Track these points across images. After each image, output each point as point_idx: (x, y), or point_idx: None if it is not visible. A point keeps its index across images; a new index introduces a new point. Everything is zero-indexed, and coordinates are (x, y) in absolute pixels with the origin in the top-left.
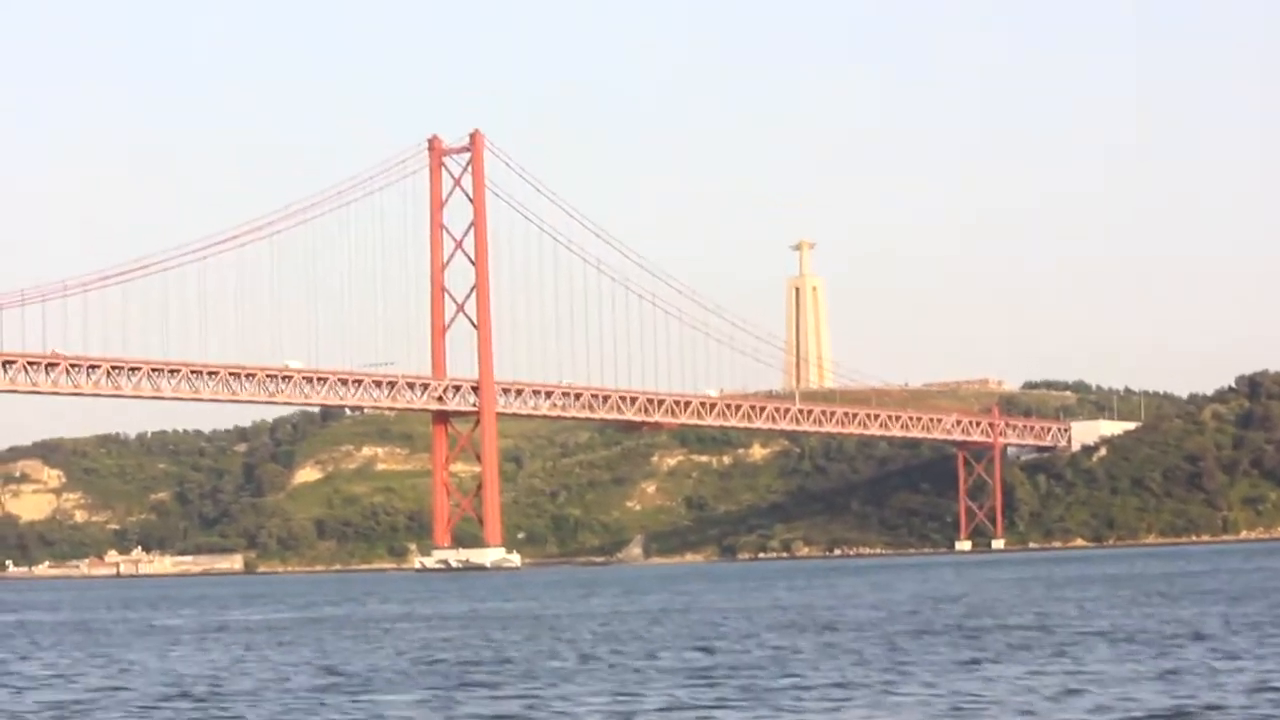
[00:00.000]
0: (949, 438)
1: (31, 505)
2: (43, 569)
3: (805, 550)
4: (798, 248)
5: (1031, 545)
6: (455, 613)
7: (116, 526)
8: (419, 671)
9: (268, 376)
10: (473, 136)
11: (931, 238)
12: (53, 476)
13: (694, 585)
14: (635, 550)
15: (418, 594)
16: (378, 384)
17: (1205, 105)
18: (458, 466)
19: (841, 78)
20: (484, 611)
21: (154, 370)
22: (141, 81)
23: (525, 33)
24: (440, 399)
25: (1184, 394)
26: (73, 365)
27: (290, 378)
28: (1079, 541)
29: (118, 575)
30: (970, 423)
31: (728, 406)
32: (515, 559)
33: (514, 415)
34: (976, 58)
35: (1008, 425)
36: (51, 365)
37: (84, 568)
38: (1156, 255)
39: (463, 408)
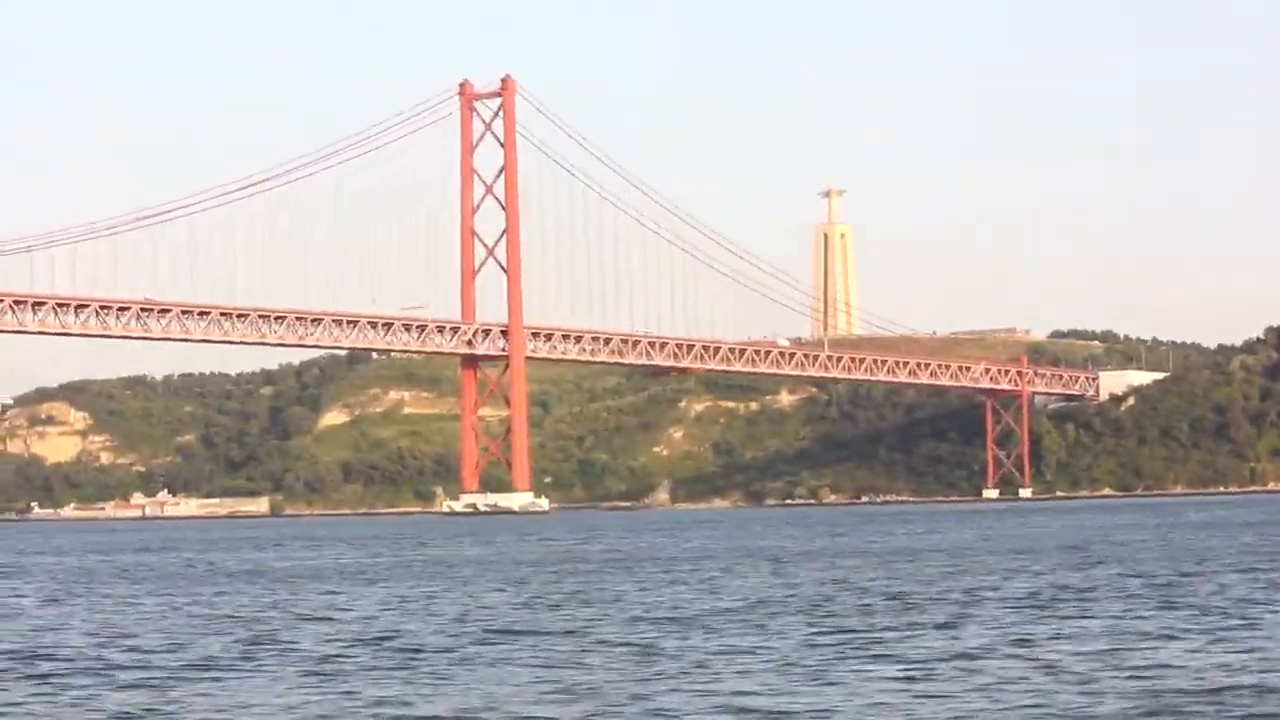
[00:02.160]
0: (977, 386)
1: (58, 447)
2: (68, 511)
3: (832, 497)
4: (826, 194)
5: (1059, 494)
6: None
7: (142, 469)
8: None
9: (297, 319)
10: (504, 81)
11: (961, 186)
12: (79, 418)
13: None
14: (662, 495)
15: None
16: (407, 328)
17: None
18: (485, 411)
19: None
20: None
21: (184, 312)
22: (177, 21)
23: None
24: (469, 343)
25: (1212, 345)
26: (102, 307)
27: (320, 320)
28: (1106, 491)
29: (143, 517)
30: (999, 371)
31: (756, 353)
32: (543, 503)
33: (543, 359)
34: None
35: (1036, 374)
36: (81, 307)
37: (109, 510)
38: (1186, 204)
39: (492, 352)
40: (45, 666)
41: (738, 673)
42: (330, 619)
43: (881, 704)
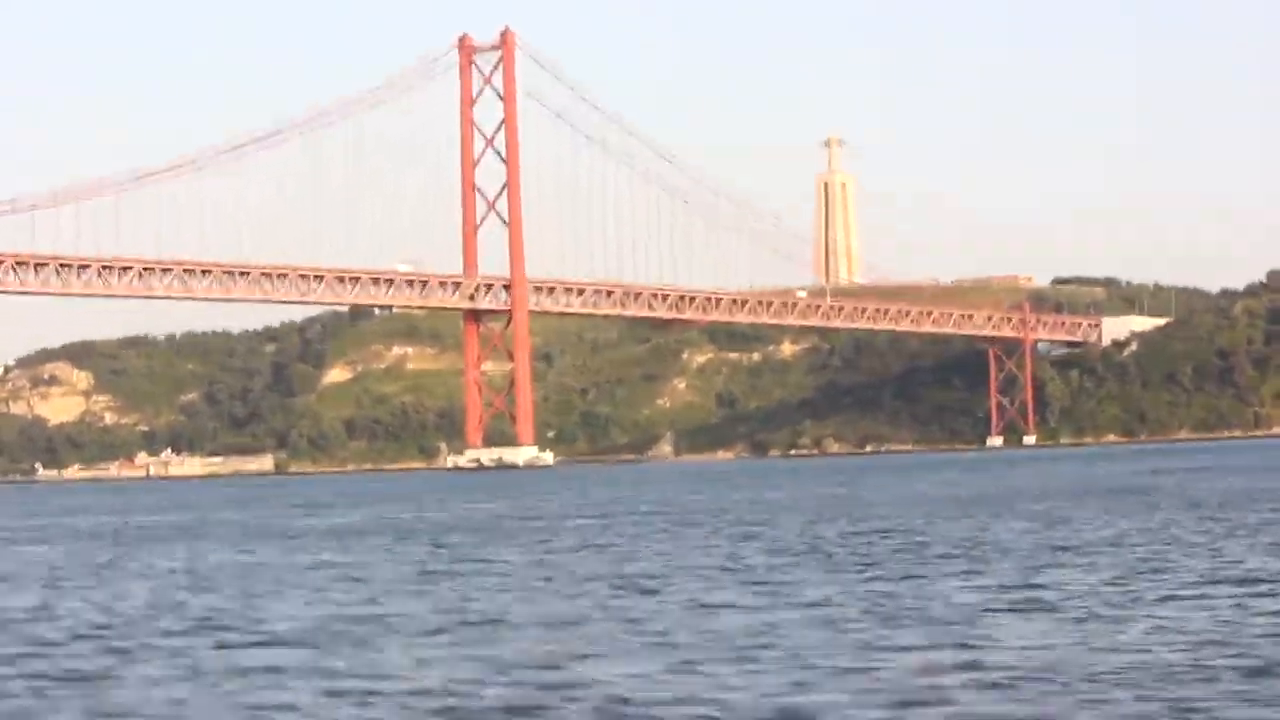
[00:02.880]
0: (980, 333)
1: (61, 408)
2: (72, 472)
3: (836, 447)
4: (827, 144)
5: (1063, 441)
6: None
7: (145, 428)
8: None
9: (300, 277)
10: (503, 35)
11: (961, 134)
12: (81, 379)
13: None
14: (666, 448)
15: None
16: (409, 283)
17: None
18: (488, 365)
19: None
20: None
21: (186, 271)
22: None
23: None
24: (472, 297)
25: (1215, 289)
26: (105, 267)
27: (322, 277)
28: (1110, 437)
29: (148, 477)
30: (1001, 319)
31: (759, 303)
32: (548, 457)
33: (546, 313)
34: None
35: (1039, 321)
36: (84, 267)
37: (114, 470)
38: (1186, 152)
39: (494, 306)
40: None
41: None
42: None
43: None
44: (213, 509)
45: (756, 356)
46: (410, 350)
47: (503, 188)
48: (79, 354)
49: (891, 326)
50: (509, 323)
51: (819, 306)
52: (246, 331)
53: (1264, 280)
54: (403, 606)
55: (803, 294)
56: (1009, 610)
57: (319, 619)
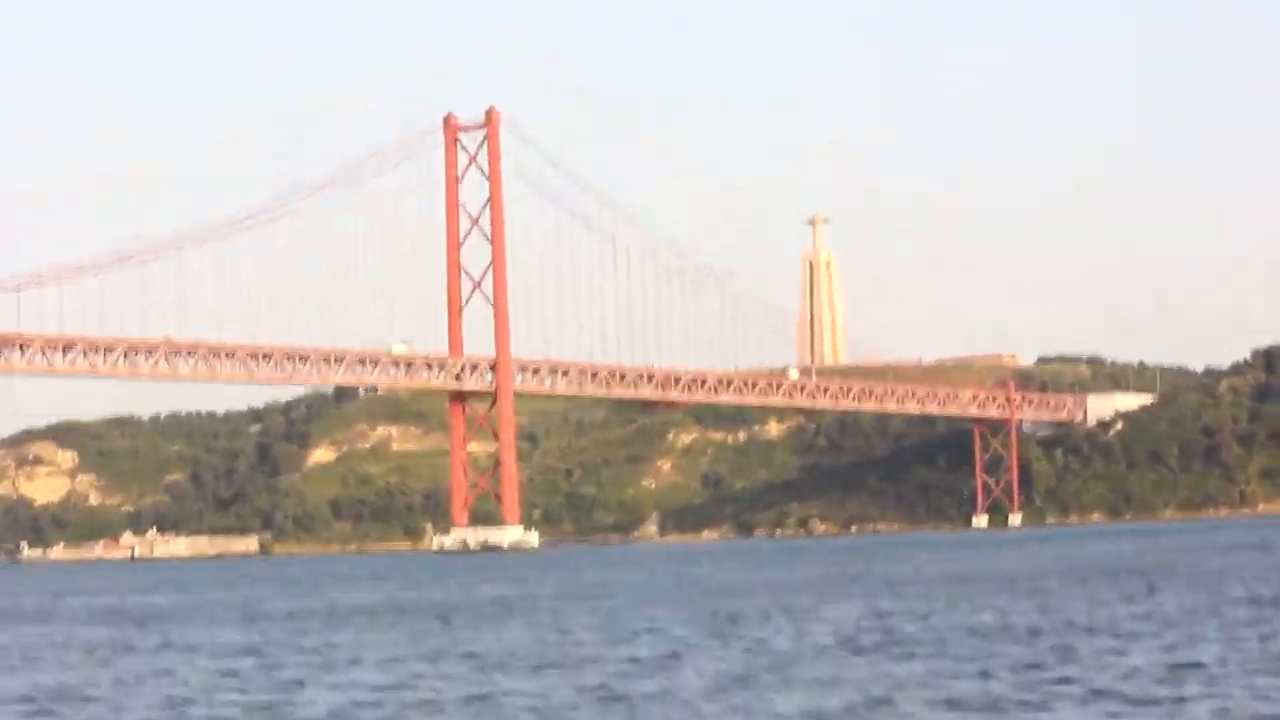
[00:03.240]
0: (965, 413)
1: (45, 487)
2: (57, 551)
3: (822, 528)
4: (811, 223)
5: (1049, 521)
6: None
7: (131, 508)
8: None
9: (285, 357)
10: (488, 113)
11: (944, 214)
12: (66, 458)
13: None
14: (651, 528)
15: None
16: (394, 363)
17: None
18: (473, 445)
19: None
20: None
21: (171, 351)
22: (155, 61)
23: (539, 10)
24: (458, 377)
25: (1199, 368)
26: (89, 347)
27: (307, 358)
28: (1096, 516)
29: (133, 558)
30: (986, 398)
31: (744, 383)
32: (534, 538)
33: (531, 394)
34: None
35: (1023, 400)
36: (69, 347)
37: (99, 550)
38: (1169, 226)
39: (479, 387)
40: None
41: None
42: None
43: None
44: (260, 589)
45: (742, 436)
46: (395, 430)
47: (488, 267)
48: (64, 434)
49: (877, 407)
50: (494, 403)
51: (804, 386)
52: (231, 412)
53: (1248, 358)
54: None
55: (795, 374)
56: None
57: None
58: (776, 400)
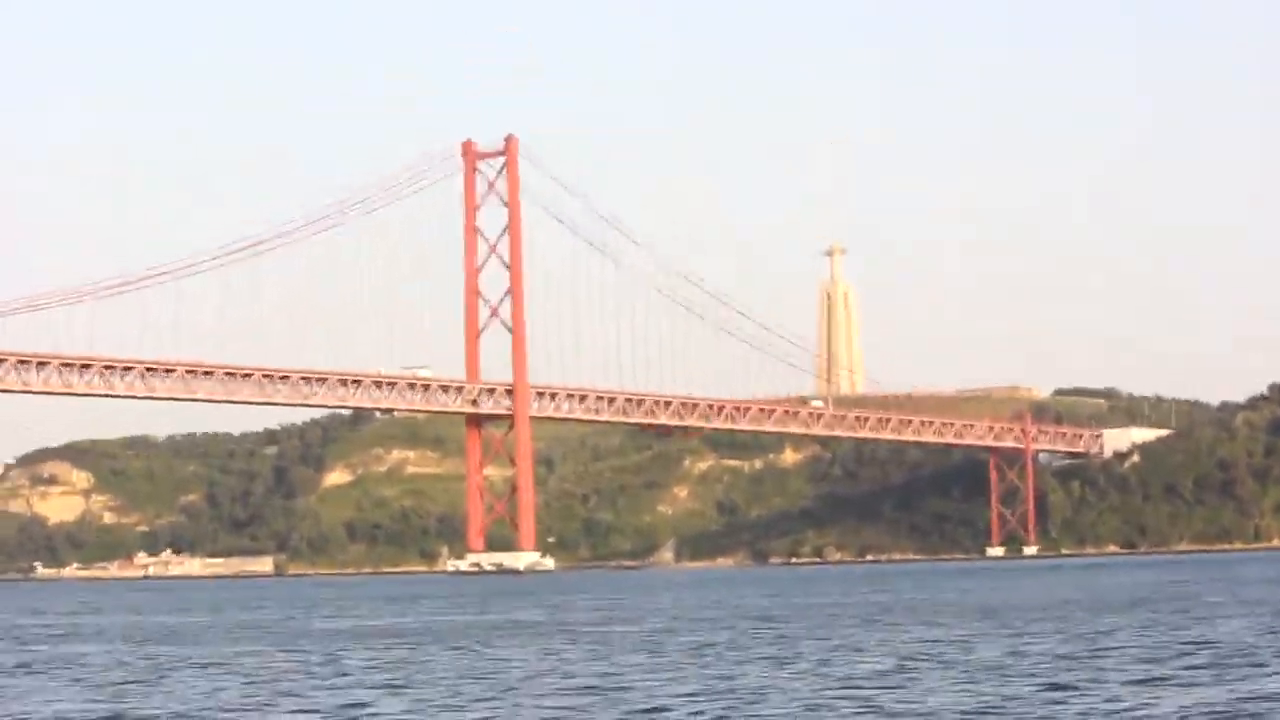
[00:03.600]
0: (981, 444)
1: (60, 507)
2: (71, 571)
3: (837, 556)
4: (829, 253)
5: (1064, 552)
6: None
7: (145, 529)
8: None
9: (302, 379)
10: (507, 141)
11: (962, 244)
12: (81, 478)
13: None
14: (666, 554)
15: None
16: (411, 387)
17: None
18: (489, 470)
19: (874, 84)
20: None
21: (188, 372)
22: (180, 84)
23: (558, 37)
24: (474, 402)
25: (1215, 401)
26: (106, 367)
27: (325, 380)
28: (1111, 548)
29: (146, 577)
30: (1002, 429)
31: (761, 411)
32: (549, 562)
33: (548, 419)
34: (982, 62)
35: (1040, 431)
36: (85, 367)
37: (113, 570)
38: (1187, 261)
39: (496, 411)
40: None
41: None
42: None
43: None
44: (307, 610)
45: (758, 464)
46: (411, 454)
47: (506, 293)
48: (79, 454)
49: (893, 436)
50: (511, 428)
51: (821, 415)
52: (247, 433)
53: (1265, 393)
54: None
55: (819, 403)
56: None
57: None
58: (794, 428)
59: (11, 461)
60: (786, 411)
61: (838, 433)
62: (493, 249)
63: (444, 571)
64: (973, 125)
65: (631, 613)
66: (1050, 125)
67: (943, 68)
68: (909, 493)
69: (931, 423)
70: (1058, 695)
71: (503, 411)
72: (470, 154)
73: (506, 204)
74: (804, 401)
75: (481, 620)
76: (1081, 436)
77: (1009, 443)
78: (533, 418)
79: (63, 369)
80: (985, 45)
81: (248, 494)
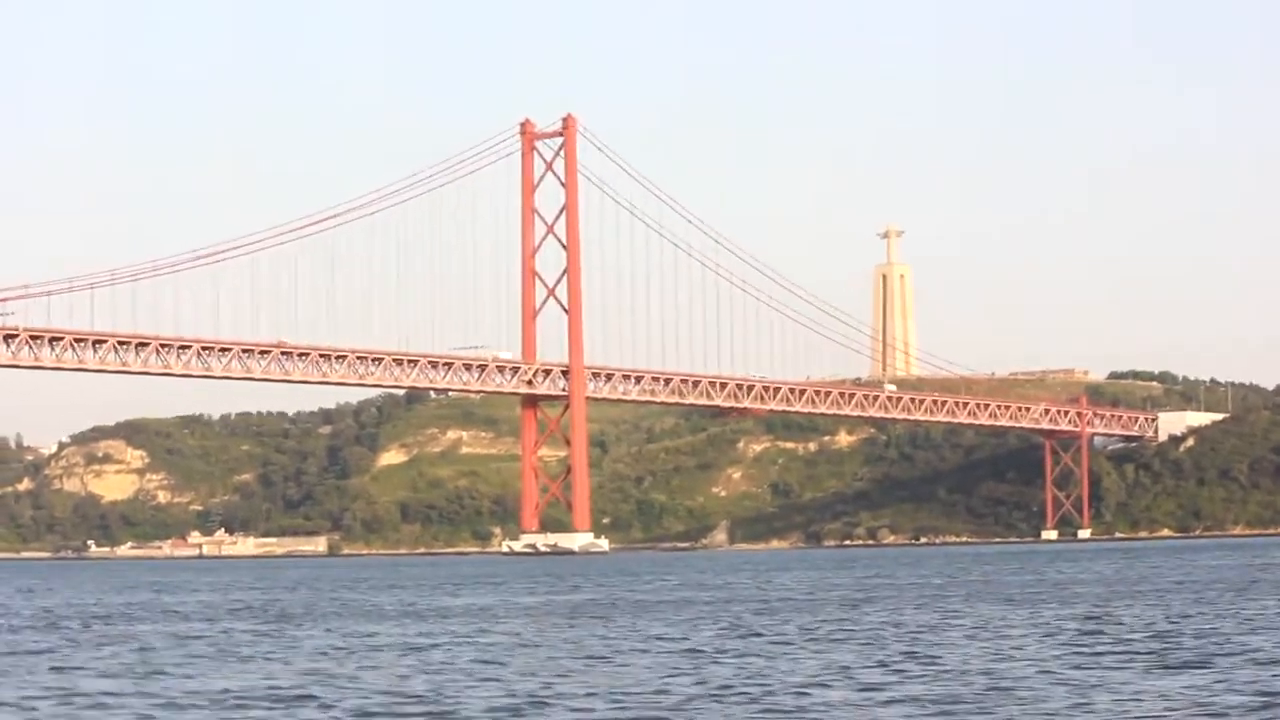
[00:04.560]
0: (1036, 427)
1: (114, 485)
2: (125, 549)
3: (891, 538)
4: (885, 235)
5: (1118, 535)
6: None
7: (199, 507)
8: None
9: (358, 358)
10: (565, 120)
11: (1018, 227)
12: (136, 457)
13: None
14: (720, 536)
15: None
16: (467, 367)
17: None
18: (543, 451)
19: (930, 63)
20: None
21: (244, 351)
22: (239, 62)
23: (619, 18)
24: (530, 383)
25: (1270, 385)
26: (163, 346)
27: (380, 360)
28: (1165, 532)
29: (200, 556)
30: (1058, 412)
31: (817, 393)
32: (604, 544)
33: (603, 400)
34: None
35: (1095, 415)
36: (142, 345)
37: (167, 548)
38: (1245, 245)
39: (552, 392)
40: None
41: None
42: None
43: None
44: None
45: (812, 446)
46: (465, 435)
47: (563, 273)
48: (133, 432)
49: (948, 419)
50: (566, 408)
51: (876, 397)
52: (301, 413)
53: None
54: None
55: (892, 388)
56: None
57: None
58: (849, 410)
59: (66, 440)
60: (842, 393)
61: (893, 415)
62: (550, 229)
63: (498, 552)
64: (1026, 105)
65: (771, 591)
66: (1104, 107)
67: (997, 45)
68: (963, 475)
69: (986, 405)
70: None
71: (558, 392)
72: (529, 134)
73: (564, 184)
74: (875, 384)
75: (646, 598)
76: (1136, 420)
77: (1064, 426)
78: (588, 398)
79: (119, 347)
80: (1041, 18)
81: (301, 473)
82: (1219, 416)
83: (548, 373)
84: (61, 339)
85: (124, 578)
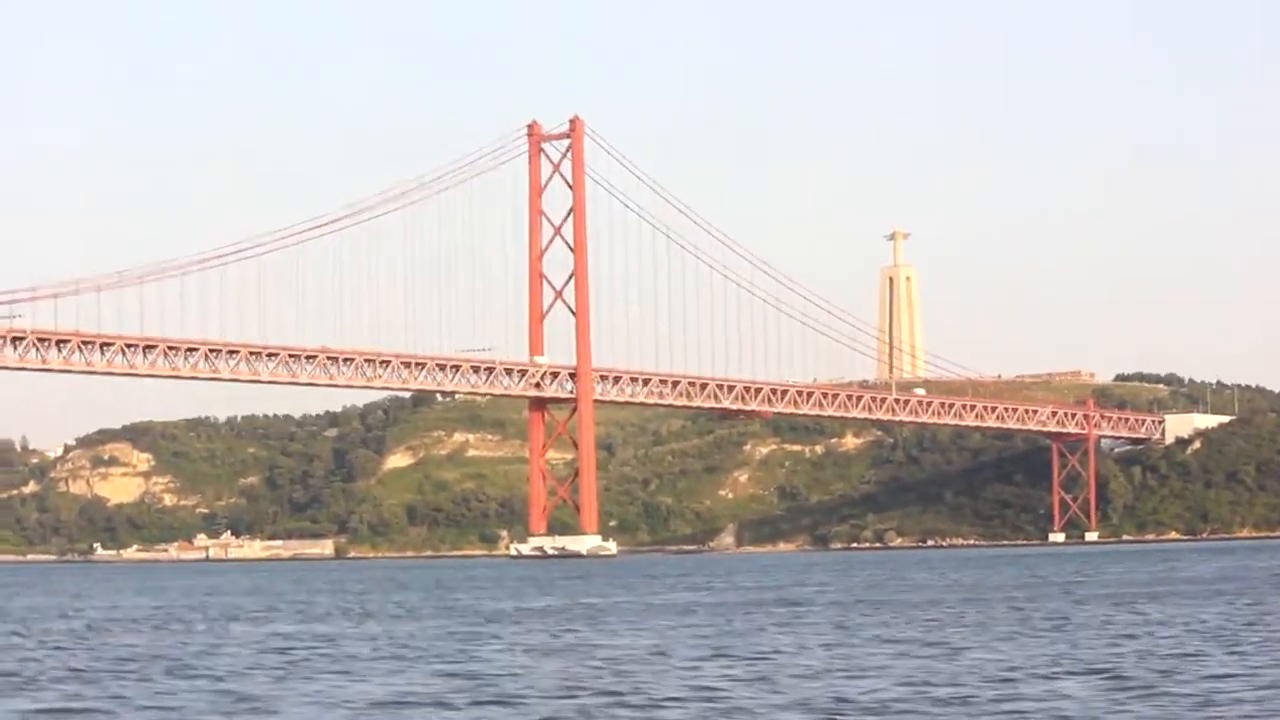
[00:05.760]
0: (1043, 429)
1: (120, 488)
2: (131, 552)
3: (898, 541)
4: (891, 237)
5: (1125, 538)
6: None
7: (205, 510)
8: None
9: (365, 361)
10: (573, 123)
11: (1022, 228)
12: (141, 460)
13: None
14: (727, 539)
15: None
16: (475, 369)
17: None
18: (550, 453)
19: (934, 66)
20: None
21: (252, 354)
22: (243, 64)
23: (625, 20)
24: (538, 385)
25: (1277, 387)
26: (170, 348)
27: (388, 362)
28: (1173, 535)
29: (206, 559)
30: (1065, 414)
31: (824, 396)
32: (611, 546)
33: (611, 402)
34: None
35: (1102, 417)
36: (149, 348)
37: (172, 551)
38: (1250, 246)
39: (559, 394)
40: None
41: None
42: None
43: None
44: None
45: (819, 449)
46: (471, 437)
47: (570, 276)
48: (139, 434)
49: (955, 421)
50: (574, 411)
51: (883, 400)
52: (308, 415)
53: None
54: None
55: (921, 391)
56: None
57: None
58: (856, 413)
59: (72, 442)
60: (849, 396)
61: (900, 417)
62: (557, 231)
63: (506, 555)
64: (1027, 105)
65: (817, 591)
66: (1104, 107)
67: (997, 45)
68: (970, 478)
69: (994, 408)
70: None
71: (565, 395)
72: (536, 136)
73: (571, 186)
74: (902, 387)
75: (720, 600)
76: (1144, 422)
77: (1071, 428)
78: (596, 401)
79: (126, 350)
80: (1041, 18)
81: (308, 476)
82: (1226, 419)
83: (555, 375)
84: (68, 341)
85: (202, 580)
